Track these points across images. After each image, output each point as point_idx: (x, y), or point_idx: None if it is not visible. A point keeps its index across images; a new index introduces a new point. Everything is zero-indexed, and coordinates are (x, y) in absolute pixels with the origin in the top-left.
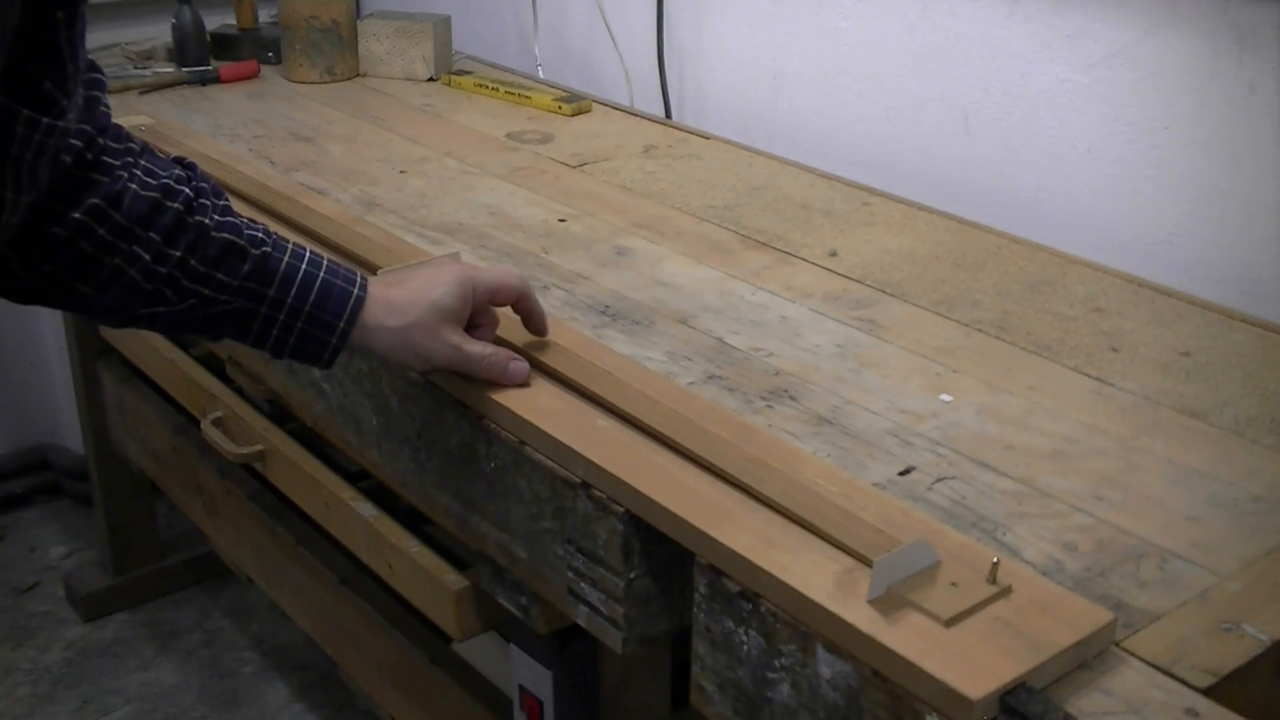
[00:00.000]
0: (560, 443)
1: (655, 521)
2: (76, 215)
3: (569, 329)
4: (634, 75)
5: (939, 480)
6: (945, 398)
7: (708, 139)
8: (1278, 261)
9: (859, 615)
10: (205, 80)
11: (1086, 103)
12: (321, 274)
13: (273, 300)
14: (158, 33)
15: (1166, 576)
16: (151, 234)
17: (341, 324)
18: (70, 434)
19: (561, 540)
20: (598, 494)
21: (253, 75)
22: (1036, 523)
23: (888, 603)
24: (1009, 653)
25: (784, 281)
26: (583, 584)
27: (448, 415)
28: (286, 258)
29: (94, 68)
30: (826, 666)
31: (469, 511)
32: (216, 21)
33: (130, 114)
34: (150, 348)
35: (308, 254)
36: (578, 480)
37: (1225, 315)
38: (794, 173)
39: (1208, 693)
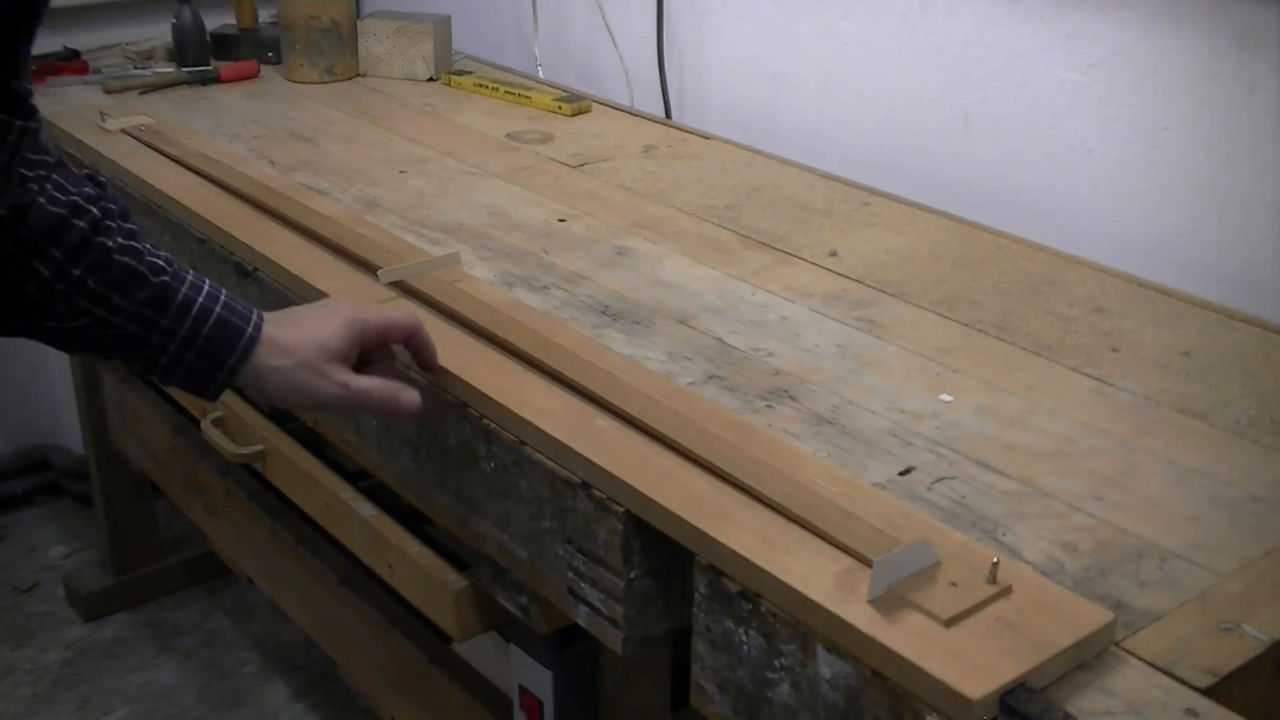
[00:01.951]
0: (560, 443)
1: (655, 521)
2: None
3: (569, 329)
4: (634, 75)
5: (939, 480)
6: (945, 398)
7: (708, 139)
8: (1278, 261)
9: (859, 615)
10: (205, 80)
11: (1086, 103)
12: (217, 309)
13: (165, 329)
14: (158, 33)
15: (1166, 576)
16: (54, 250)
17: (231, 360)
18: (70, 434)
19: (561, 540)
20: (598, 494)
21: (253, 75)
22: (1036, 523)
23: (888, 603)
24: (1009, 653)
25: (784, 281)
26: (583, 584)
27: (448, 415)
28: (184, 289)
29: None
30: (826, 666)
31: (469, 511)
32: (216, 21)
33: (130, 114)
34: None
35: (206, 286)
36: (578, 480)
37: (1225, 315)
38: (794, 173)
39: (1208, 693)
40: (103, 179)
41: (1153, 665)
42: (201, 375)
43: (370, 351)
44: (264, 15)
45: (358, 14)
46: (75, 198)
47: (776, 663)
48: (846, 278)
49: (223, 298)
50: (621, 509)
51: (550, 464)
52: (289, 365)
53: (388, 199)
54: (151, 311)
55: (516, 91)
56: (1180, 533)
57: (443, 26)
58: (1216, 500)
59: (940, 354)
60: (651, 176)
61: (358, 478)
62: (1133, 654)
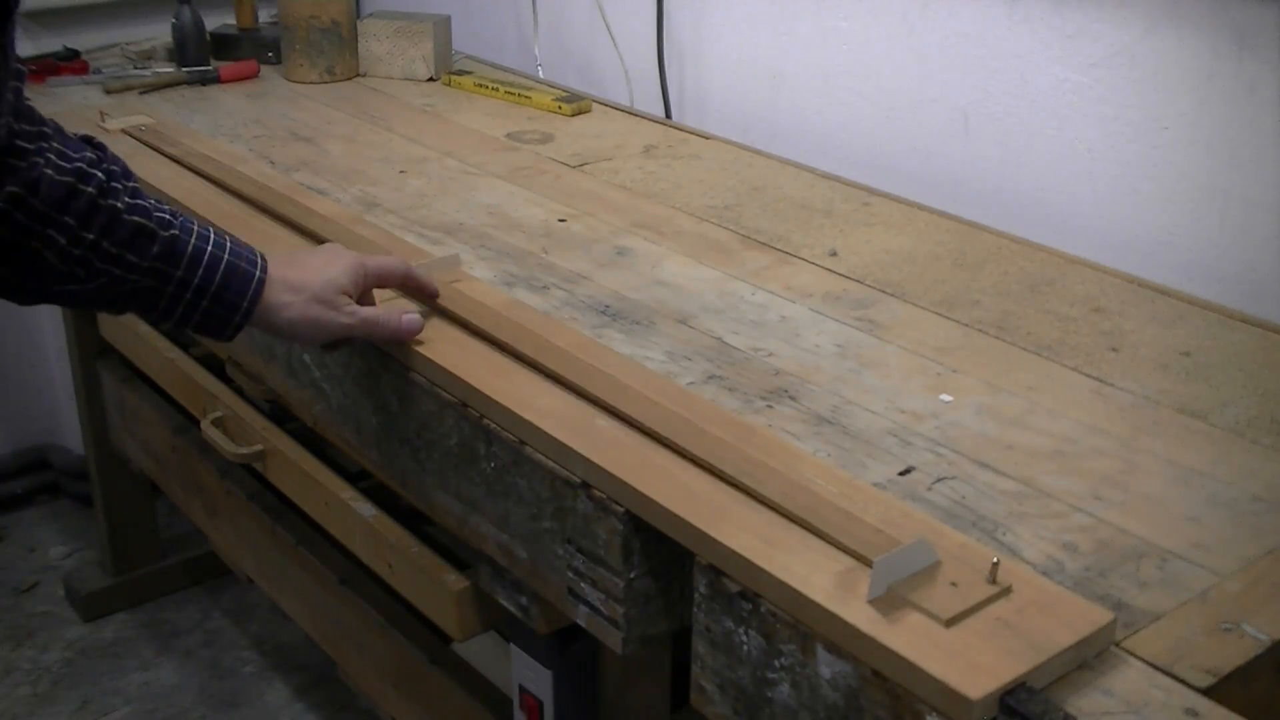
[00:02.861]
0: (560, 443)
1: (655, 521)
2: None
3: (569, 329)
4: (634, 75)
5: (939, 480)
6: (945, 398)
7: (708, 139)
8: (1278, 261)
9: (859, 615)
10: (205, 80)
11: (1086, 103)
12: (226, 255)
13: (180, 280)
14: (158, 33)
15: (1166, 576)
16: (67, 218)
17: (245, 303)
18: (70, 434)
19: (561, 540)
20: (598, 494)
21: (253, 75)
22: (1036, 523)
23: (888, 603)
24: (1009, 653)
25: (784, 281)
26: (583, 584)
27: (448, 415)
28: (193, 240)
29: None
30: (826, 666)
31: (469, 511)
32: (216, 21)
33: (130, 114)
34: (150, 348)
35: (212, 235)
36: (578, 480)
37: (1225, 315)
38: (794, 173)
39: (1208, 693)
40: (99, 141)
41: (1153, 665)
42: (217, 320)
43: (364, 297)
44: (264, 15)
45: (358, 14)
46: (79, 163)
47: (776, 663)
48: (846, 278)
49: (229, 244)
50: (621, 509)
51: (550, 464)
52: (299, 300)
53: (388, 199)
54: (165, 264)
55: (516, 91)
56: (1180, 533)
57: (443, 26)
58: (1216, 500)
59: (940, 354)
60: (651, 176)
61: (358, 478)
62: (1133, 654)
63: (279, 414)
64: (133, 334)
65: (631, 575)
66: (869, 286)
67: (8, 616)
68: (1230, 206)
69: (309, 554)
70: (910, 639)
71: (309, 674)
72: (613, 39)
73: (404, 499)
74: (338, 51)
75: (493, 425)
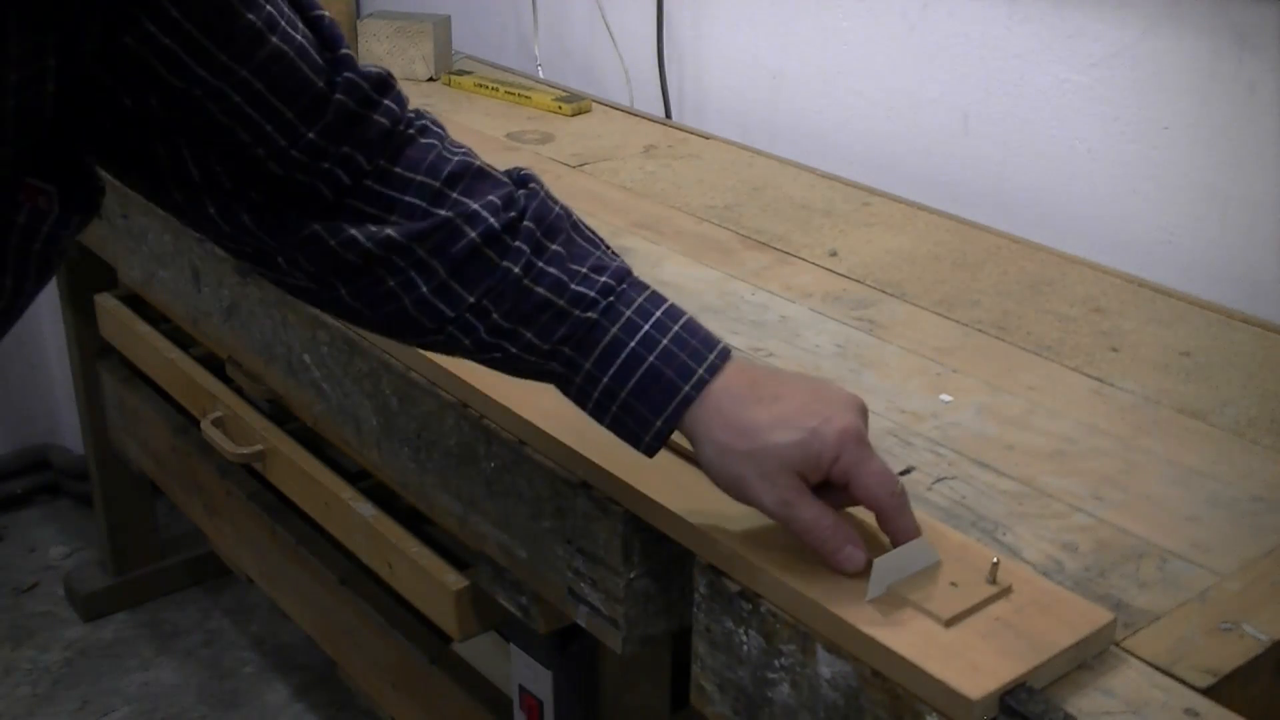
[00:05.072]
0: (560, 443)
1: (655, 521)
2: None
3: None
4: (634, 75)
5: (939, 480)
6: (945, 398)
7: (708, 139)
8: (1278, 261)
9: (859, 615)
10: None
11: (1086, 103)
12: (652, 358)
13: (587, 374)
14: None
15: (1166, 576)
16: (435, 261)
17: (658, 423)
18: (70, 434)
19: (561, 540)
20: (598, 494)
21: None
22: (1036, 523)
23: (888, 603)
24: (1009, 653)
25: (784, 281)
26: (583, 584)
27: (448, 415)
28: (616, 329)
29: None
30: (826, 666)
31: (469, 511)
32: None
33: None
34: (150, 348)
35: (645, 327)
36: (578, 480)
37: (1225, 315)
38: (794, 173)
39: (1208, 693)
40: (528, 173)
41: (1153, 665)
42: (627, 430)
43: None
44: None
45: (358, 14)
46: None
47: (776, 663)
48: (846, 277)
49: (663, 342)
50: (621, 509)
51: (550, 464)
52: (736, 449)
53: None
54: (572, 350)
55: (516, 91)
56: (1180, 533)
57: (443, 26)
58: (1216, 500)
59: (940, 354)
60: (651, 176)
61: (358, 478)
62: (1133, 654)
63: (279, 414)
64: (133, 334)
65: (631, 575)
66: (869, 286)
67: (8, 616)
68: (1230, 206)
69: (309, 554)
70: (910, 639)
71: (309, 674)
72: (613, 39)
73: (404, 499)
74: None
75: (493, 425)
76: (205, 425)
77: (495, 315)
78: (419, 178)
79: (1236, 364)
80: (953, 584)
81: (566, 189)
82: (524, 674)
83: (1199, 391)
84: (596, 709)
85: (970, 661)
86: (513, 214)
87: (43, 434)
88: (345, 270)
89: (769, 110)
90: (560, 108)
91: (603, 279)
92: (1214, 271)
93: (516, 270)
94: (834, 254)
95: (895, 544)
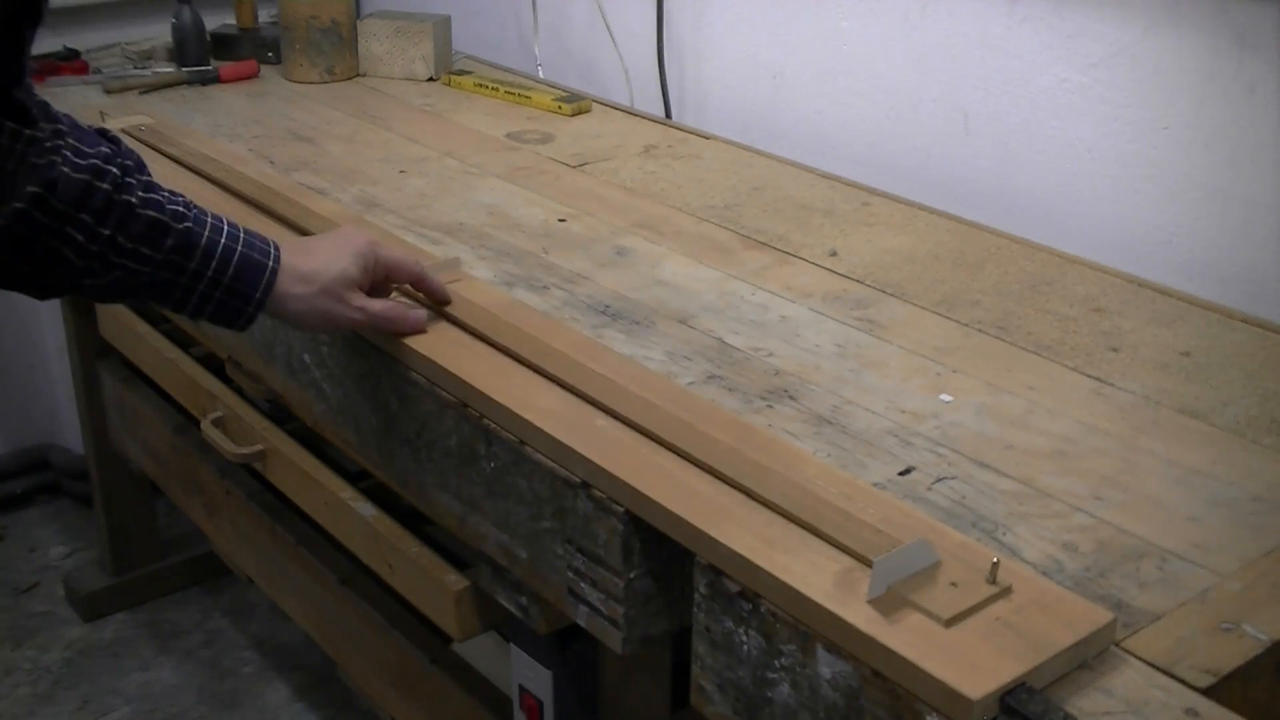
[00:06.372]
0: (560, 443)
1: (655, 521)
2: (18, 205)
3: (568, 329)
4: (634, 75)
5: (939, 480)
6: (945, 398)
7: (708, 139)
8: (1278, 261)
9: (859, 615)
10: (205, 80)
11: (1086, 103)
12: (239, 247)
13: (193, 272)
14: (158, 33)
15: (1166, 576)
16: (84, 215)
17: (257, 294)
18: (70, 434)
19: (561, 540)
20: (598, 494)
21: (253, 75)
22: (1036, 523)
23: (888, 603)
24: (1009, 653)
25: (784, 281)
26: (583, 584)
27: (448, 415)
28: (206, 231)
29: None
30: (826, 666)
31: (469, 511)
32: (216, 21)
33: (130, 114)
34: (150, 348)
35: (225, 226)
36: (578, 480)
37: (1225, 315)
38: (794, 173)
39: (1208, 693)
40: (113, 133)
41: (1153, 665)
42: (229, 310)
43: (375, 286)
44: (264, 15)
45: (358, 14)
46: (94, 160)
47: (776, 663)
48: (846, 278)
49: (242, 235)
50: (621, 509)
51: (550, 464)
52: (309, 293)
53: (387, 199)
54: (179, 257)
55: (516, 91)
56: (1180, 533)
57: (443, 26)
58: (1216, 500)
59: (940, 354)
60: (651, 176)
61: (358, 478)
62: (1133, 654)
63: (279, 414)
64: (133, 334)
65: (631, 575)
66: (869, 286)
67: (8, 616)
68: (1230, 206)
69: (309, 554)
70: (910, 639)
71: (309, 674)
72: (613, 39)
73: (404, 499)
74: (338, 51)
75: (493, 425)
76: (205, 425)
77: (120, 239)
78: None
79: (1236, 364)
80: (953, 584)
81: (566, 189)
82: (524, 674)
83: (1199, 391)
84: (596, 709)
85: (970, 661)
86: (120, 158)
87: (43, 434)
88: (18, 246)
89: (769, 110)
90: (560, 108)
91: (179, 198)
92: (1214, 271)
93: (133, 200)
94: (834, 254)
95: (434, 299)
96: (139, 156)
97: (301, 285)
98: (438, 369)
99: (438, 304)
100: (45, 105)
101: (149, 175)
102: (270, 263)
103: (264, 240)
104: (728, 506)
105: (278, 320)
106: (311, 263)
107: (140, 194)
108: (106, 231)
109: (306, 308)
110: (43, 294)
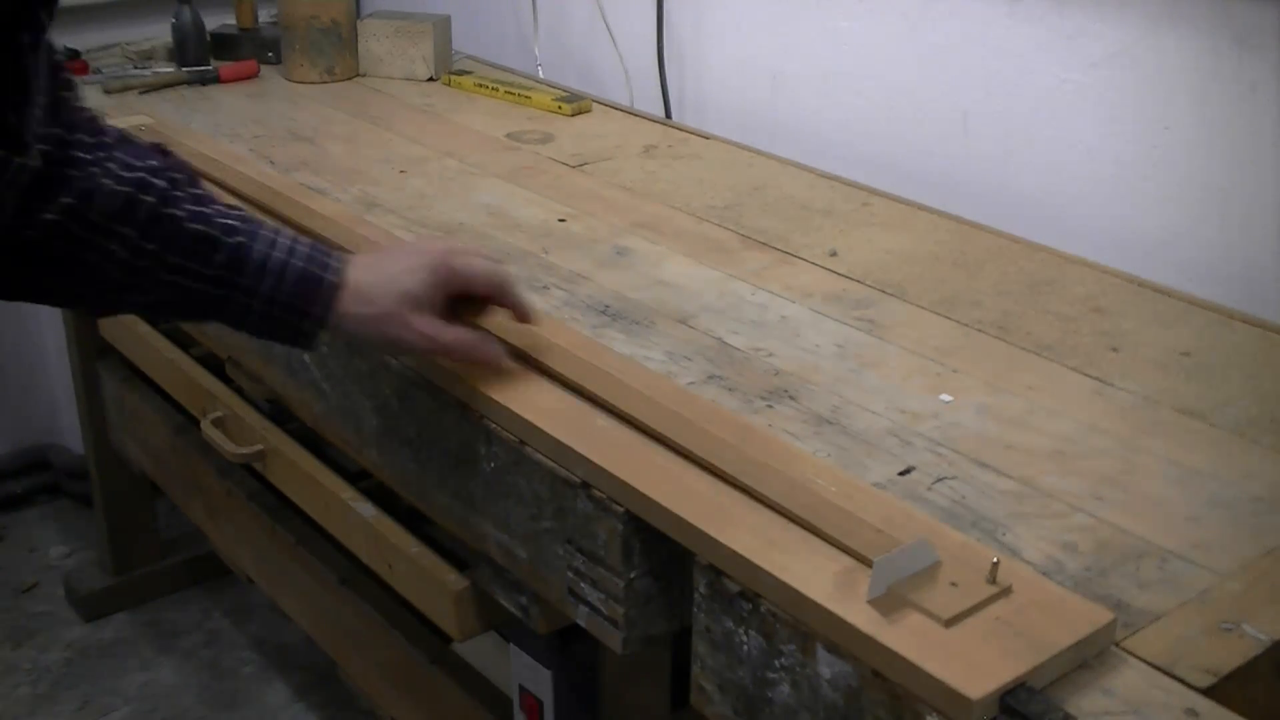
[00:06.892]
0: (560, 443)
1: (655, 521)
2: (49, 216)
3: (569, 329)
4: (634, 75)
5: (939, 480)
6: (945, 398)
7: (708, 139)
8: (1278, 261)
9: (859, 615)
10: (205, 80)
11: (1086, 103)
12: (298, 262)
13: (246, 288)
14: (158, 33)
15: (1166, 576)
16: (126, 228)
17: (314, 311)
18: (70, 434)
19: (561, 540)
20: (598, 494)
21: (253, 75)
22: (1036, 523)
23: (888, 603)
24: (1009, 653)
25: (784, 281)
26: (583, 584)
27: (448, 415)
28: (260, 245)
29: (60, 68)
30: (826, 666)
31: (469, 511)
32: (216, 21)
33: (130, 114)
34: (150, 348)
35: (282, 240)
36: (578, 480)
37: (1225, 315)
38: (794, 173)
39: (1208, 693)
40: (167, 148)
41: (1153, 665)
42: (290, 329)
43: (454, 297)
44: (264, 15)
45: (358, 14)
46: (140, 173)
47: (776, 663)
48: (846, 278)
49: (300, 249)
50: (621, 509)
51: (550, 464)
52: (370, 314)
53: (388, 199)
54: (230, 273)
55: (516, 91)
56: (1180, 533)
57: (443, 26)
58: (1216, 500)
59: (940, 354)
60: (651, 176)
61: (358, 478)
62: (1133, 654)
63: (279, 414)
64: (133, 334)
65: (631, 575)
66: (869, 286)
67: (8, 616)
68: (1230, 206)
69: (309, 554)
70: (910, 639)
71: (309, 674)
72: (613, 39)
73: (404, 499)
74: (338, 51)
75: (493, 425)
76: (205, 425)
77: (167, 255)
78: None
79: (1236, 364)
80: (953, 584)
81: (566, 189)
82: (524, 674)
83: (1199, 391)
84: (596, 709)
85: (970, 661)
86: (169, 171)
87: (43, 434)
88: (55, 261)
89: (769, 110)
90: (560, 108)
91: (234, 212)
92: (1214, 271)
93: (179, 214)
94: (834, 254)
95: (514, 316)
96: (192, 169)
97: (362, 305)
98: (438, 369)
99: (518, 320)
100: (92, 119)
101: (201, 189)
102: (330, 277)
103: (326, 253)
104: (728, 506)
105: (343, 338)
106: (375, 279)
107: (189, 207)
108: (151, 246)
109: (367, 330)
110: (93, 310)
